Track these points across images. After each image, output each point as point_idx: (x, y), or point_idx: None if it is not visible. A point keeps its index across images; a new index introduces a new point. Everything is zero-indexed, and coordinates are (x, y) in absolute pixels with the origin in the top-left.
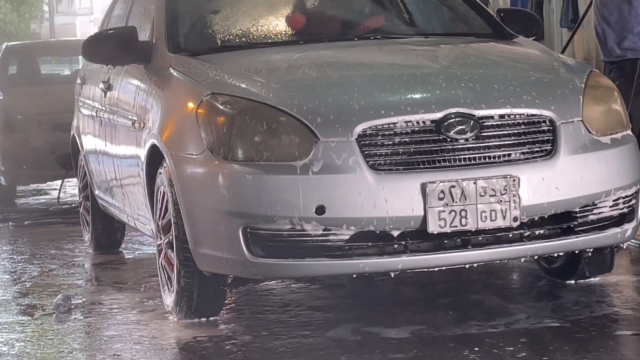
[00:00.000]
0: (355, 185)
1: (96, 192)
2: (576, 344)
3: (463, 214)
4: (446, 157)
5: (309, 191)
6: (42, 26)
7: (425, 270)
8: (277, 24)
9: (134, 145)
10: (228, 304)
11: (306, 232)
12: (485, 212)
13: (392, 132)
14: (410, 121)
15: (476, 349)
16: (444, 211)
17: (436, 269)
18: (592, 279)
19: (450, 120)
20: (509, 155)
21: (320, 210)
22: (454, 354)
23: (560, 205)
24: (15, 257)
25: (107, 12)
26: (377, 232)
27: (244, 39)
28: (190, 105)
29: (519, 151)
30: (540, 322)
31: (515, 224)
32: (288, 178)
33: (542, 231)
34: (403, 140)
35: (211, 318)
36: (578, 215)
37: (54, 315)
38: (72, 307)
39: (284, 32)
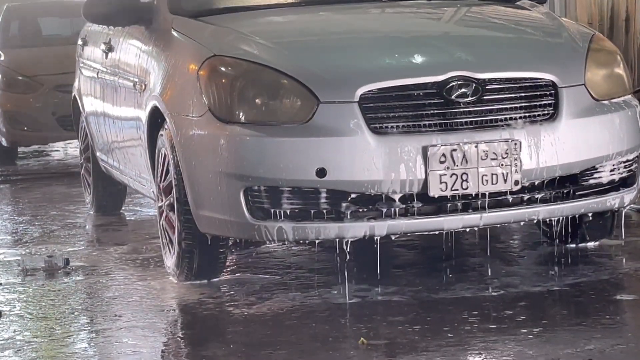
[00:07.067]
0: (356, 148)
1: (97, 153)
2: (576, 308)
3: (464, 177)
4: (448, 121)
5: (310, 154)
6: None
7: (426, 233)
8: None
9: (135, 107)
10: (229, 266)
11: (307, 194)
12: (486, 175)
13: (393, 95)
14: (412, 84)
15: (475, 312)
16: (445, 174)
17: (437, 232)
18: (592, 243)
19: (452, 84)
20: (511, 118)
21: (322, 172)
22: (453, 317)
23: (561, 169)
24: (16, 218)
25: None
26: (379, 195)
27: (246, 1)
28: (192, 67)
29: (521, 115)
30: (540, 285)
31: (516, 188)
32: (289, 140)
33: (542, 195)
34: (405, 103)
35: (212, 280)
36: (579, 179)
37: (44, 274)
38: (68, 267)
39: None
